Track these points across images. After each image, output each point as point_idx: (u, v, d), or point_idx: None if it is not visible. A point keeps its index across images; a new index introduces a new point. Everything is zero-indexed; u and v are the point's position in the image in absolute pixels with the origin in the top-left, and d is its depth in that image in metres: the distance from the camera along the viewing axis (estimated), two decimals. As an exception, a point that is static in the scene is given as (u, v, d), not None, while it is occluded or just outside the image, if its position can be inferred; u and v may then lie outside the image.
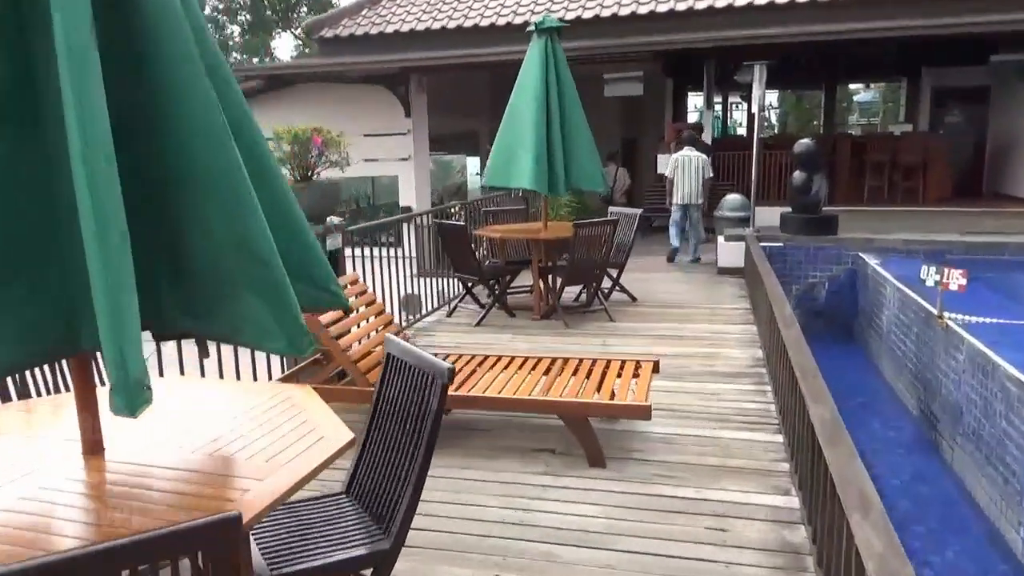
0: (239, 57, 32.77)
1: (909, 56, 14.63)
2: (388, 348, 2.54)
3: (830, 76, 17.17)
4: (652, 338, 6.15)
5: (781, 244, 8.84)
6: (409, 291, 7.11)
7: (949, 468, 5.30)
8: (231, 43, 33.67)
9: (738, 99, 23.88)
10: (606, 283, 7.31)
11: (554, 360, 4.38)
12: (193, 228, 1.85)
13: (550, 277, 7.00)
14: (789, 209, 9.25)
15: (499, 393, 3.88)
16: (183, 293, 1.92)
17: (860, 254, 8.52)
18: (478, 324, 6.72)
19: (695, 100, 20.19)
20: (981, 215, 11.30)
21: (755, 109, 8.86)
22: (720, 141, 14.93)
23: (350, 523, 2.35)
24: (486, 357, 4.47)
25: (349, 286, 4.41)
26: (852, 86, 29.56)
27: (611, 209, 7.74)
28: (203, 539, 1.39)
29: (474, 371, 4.27)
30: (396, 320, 6.49)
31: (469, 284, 7.07)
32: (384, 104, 14.28)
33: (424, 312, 7.16)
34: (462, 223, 6.64)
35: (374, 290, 5.86)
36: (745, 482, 3.53)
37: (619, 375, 4.15)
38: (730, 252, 8.95)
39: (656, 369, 4.26)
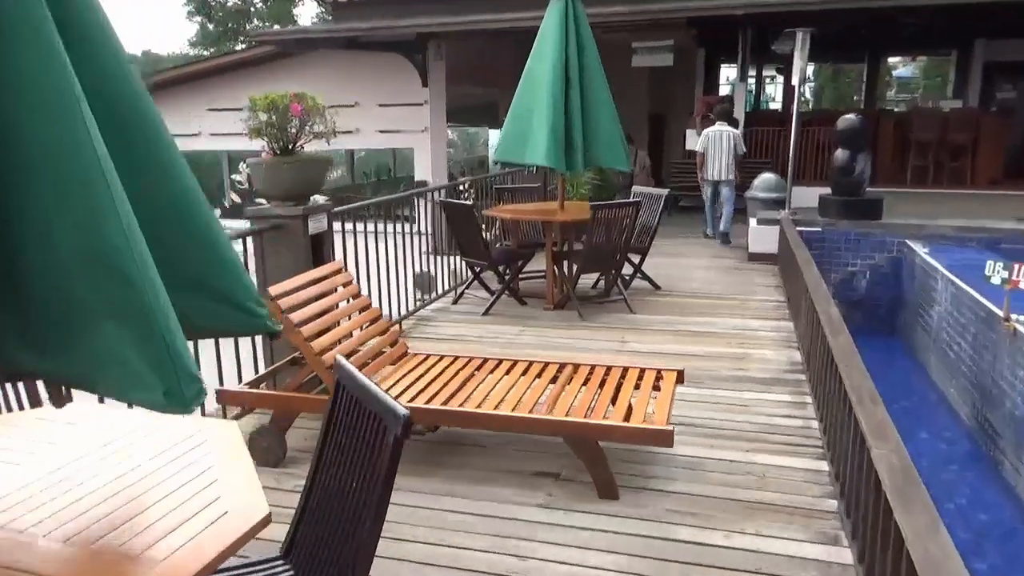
0: (261, 24, 32.13)
1: (962, 26, 13.67)
2: (339, 374, 1.99)
3: (874, 48, 16.19)
4: (675, 334, 5.56)
5: (819, 229, 8.15)
6: (423, 269, 6.60)
7: (1012, 492, 4.68)
8: (253, 9, 33.06)
9: (772, 72, 22.87)
10: (627, 269, 6.71)
11: (563, 366, 3.82)
12: (29, 237, 1.31)
13: (566, 263, 6.42)
14: (828, 191, 8.54)
15: (495, 408, 3.32)
16: (21, 321, 1.38)
17: (907, 241, 7.81)
18: (485, 313, 6.16)
19: (727, 72, 19.29)
20: (1037, 200, 10.47)
21: (795, 80, 8.12)
22: (753, 115, 14.13)
23: (281, 604, 1.83)
24: (485, 360, 3.91)
25: (331, 276, 3.87)
26: (891, 60, 28.30)
27: (635, 189, 7.12)
28: None
29: (471, 376, 3.73)
30: (407, 302, 5.97)
31: (477, 269, 6.50)
32: (400, 73, 13.66)
33: (432, 295, 6.63)
34: (468, 202, 6.07)
35: (377, 270, 5.33)
36: (784, 524, 2.96)
37: (637, 386, 3.58)
38: (762, 237, 8.28)
39: (680, 379, 3.68)
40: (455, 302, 6.59)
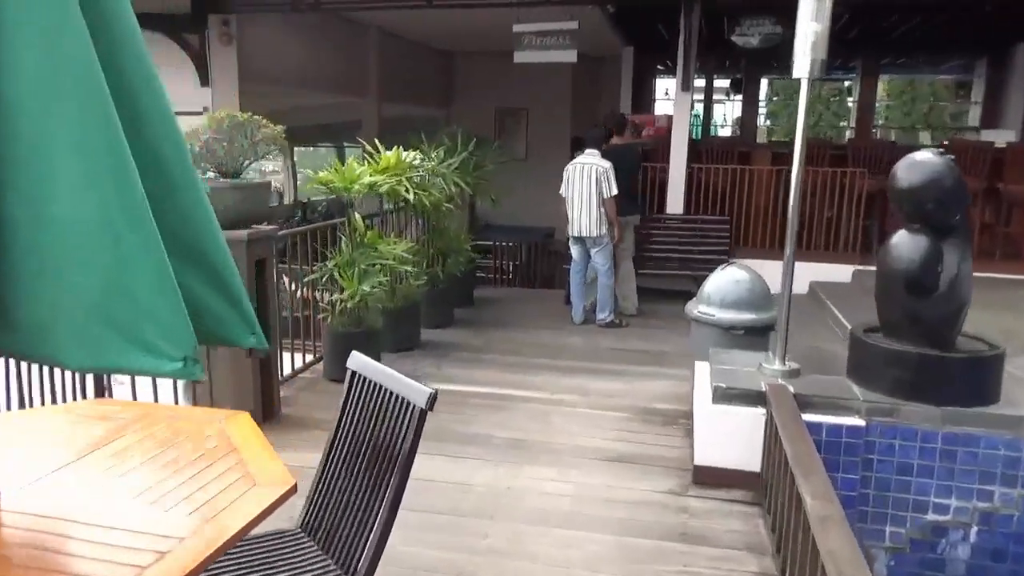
0: None
1: (995, 26, 9.48)
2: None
3: (871, 56, 11.84)
4: None
5: (861, 422, 3.43)
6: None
7: None
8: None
9: (725, 90, 18.54)
10: None
11: None
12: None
13: None
14: (873, 316, 3.85)
15: None
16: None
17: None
18: None
19: (666, 84, 14.92)
20: None
21: (803, 68, 3.35)
22: (700, 145, 9.72)
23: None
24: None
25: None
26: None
27: (351, 362, 2.28)
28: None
29: None
30: None
31: None
32: (168, 64, 8.66)
33: None
34: None
35: None
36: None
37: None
38: (721, 427, 3.56)
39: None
40: None
